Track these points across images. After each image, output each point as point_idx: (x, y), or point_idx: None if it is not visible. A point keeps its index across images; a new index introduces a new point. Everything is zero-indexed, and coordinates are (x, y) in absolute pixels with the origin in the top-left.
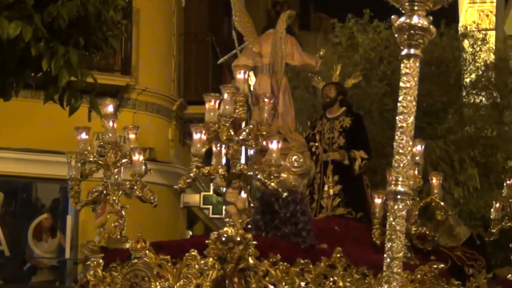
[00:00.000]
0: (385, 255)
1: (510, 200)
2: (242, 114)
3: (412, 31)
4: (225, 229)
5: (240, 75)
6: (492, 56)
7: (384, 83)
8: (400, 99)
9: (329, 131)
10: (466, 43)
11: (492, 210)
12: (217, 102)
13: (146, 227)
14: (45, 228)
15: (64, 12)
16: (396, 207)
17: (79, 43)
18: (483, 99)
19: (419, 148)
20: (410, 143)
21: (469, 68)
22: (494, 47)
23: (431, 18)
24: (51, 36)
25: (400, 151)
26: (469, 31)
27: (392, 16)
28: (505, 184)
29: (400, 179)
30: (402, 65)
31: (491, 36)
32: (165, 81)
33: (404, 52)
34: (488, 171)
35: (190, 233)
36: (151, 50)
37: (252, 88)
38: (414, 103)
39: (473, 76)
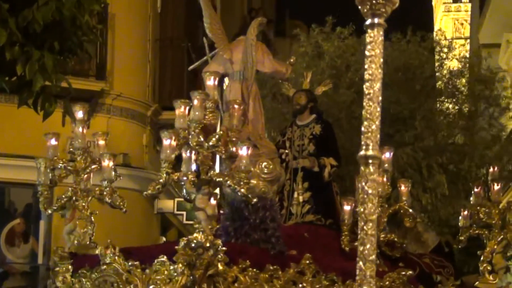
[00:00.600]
0: (359, 218)
1: (478, 207)
2: (212, 120)
3: (374, 1)
4: (195, 235)
5: (210, 82)
6: (459, 64)
7: (352, 90)
8: (366, 67)
9: (299, 138)
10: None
11: (460, 217)
12: (187, 108)
13: (120, 233)
14: (17, 233)
15: (39, 16)
16: (367, 171)
17: (54, 47)
18: (450, 106)
19: (387, 155)
20: (378, 109)
21: (436, 75)
22: (460, 55)
23: None
24: (26, 40)
25: (368, 116)
26: (434, 38)
27: None
28: (473, 191)
29: (370, 143)
30: (367, 34)
31: (461, 45)
32: (140, 86)
33: (368, 22)
34: (456, 178)
35: (164, 239)
36: (126, 56)
37: (223, 95)
38: (380, 71)
39: (439, 83)
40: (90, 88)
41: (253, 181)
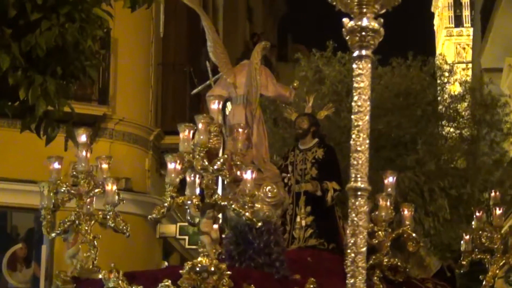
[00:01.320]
0: (348, 251)
1: (480, 232)
2: (216, 144)
3: (362, 33)
4: (199, 259)
5: (214, 105)
6: (460, 88)
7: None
8: (355, 99)
9: (302, 162)
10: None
11: (462, 242)
12: (191, 132)
13: (122, 258)
14: (19, 258)
15: (42, 41)
16: (357, 203)
17: (56, 72)
18: (451, 129)
19: (390, 179)
20: (367, 141)
21: (437, 100)
22: (462, 79)
23: (381, 20)
24: (28, 65)
25: (358, 148)
26: (435, 63)
27: (343, 19)
28: (474, 216)
29: (359, 176)
30: (355, 66)
31: (462, 69)
32: (142, 111)
33: (356, 53)
34: (457, 202)
35: (166, 263)
36: (129, 80)
37: (226, 119)
38: (368, 103)
39: (440, 107)
40: (93, 112)
41: (257, 205)
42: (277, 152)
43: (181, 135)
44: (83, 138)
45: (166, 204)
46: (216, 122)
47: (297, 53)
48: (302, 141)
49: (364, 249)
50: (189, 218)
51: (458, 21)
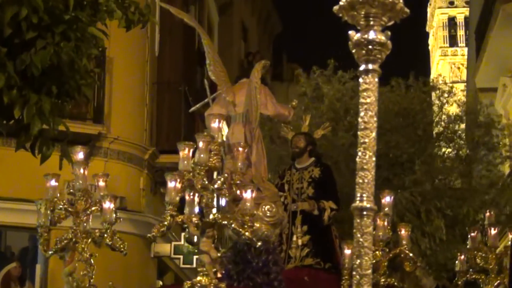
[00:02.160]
0: (354, 273)
1: (475, 252)
2: (217, 163)
3: (369, 47)
4: (199, 278)
5: (214, 124)
6: (458, 109)
7: (350, 133)
8: (361, 114)
9: (298, 181)
10: (433, 95)
11: (457, 262)
12: (191, 150)
13: (117, 277)
14: (13, 277)
15: (37, 60)
16: (363, 223)
17: (52, 91)
18: (448, 150)
19: (387, 199)
20: (373, 158)
21: (435, 120)
22: (460, 100)
23: (388, 33)
24: (23, 84)
25: (364, 166)
26: (436, 84)
27: (350, 32)
28: (469, 236)
29: (365, 195)
30: (361, 80)
31: (461, 90)
32: (137, 130)
33: (362, 67)
34: (453, 222)
35: (161, 283)
36: (124, 99)
37: (225, 137)
38: (375, 119)
39: (439, 127)
40: (88, 131)
41: (256, 224)
42: (273, 170)
43: (180, 154)
44: (80, 155)
45: (165, 223)
46: (216, 140)
47: (295, 70)
48: (298, 160)
49: (369, 271)
50: (188, 237)
51: (452, 41)
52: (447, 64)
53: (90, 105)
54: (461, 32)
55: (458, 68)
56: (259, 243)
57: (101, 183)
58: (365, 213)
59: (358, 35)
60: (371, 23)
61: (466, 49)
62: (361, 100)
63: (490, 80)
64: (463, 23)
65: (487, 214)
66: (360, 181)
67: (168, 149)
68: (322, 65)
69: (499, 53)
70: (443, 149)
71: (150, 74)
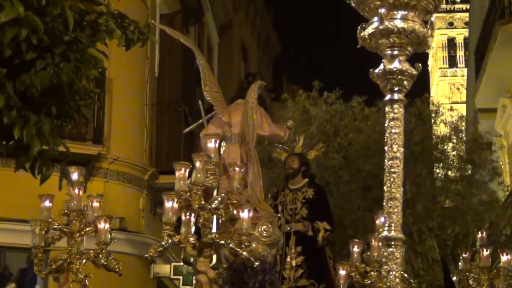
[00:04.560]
0: None
1: (467, 273)
2: (213, 183)
3: (394, 76)
4: None
5: (211, 144)
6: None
7: (340, 155)
8: (389, 145)
9: (292, 202)
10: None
11: None
12: (187, 170)
13: None
14: None
15: (37, 81)
16: (391, 254)
17: (51, 112)
18: (438, 170)
19: (382, 220)
20: (401, 189)
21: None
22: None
23: (419, 65)
24: (23, 104)
25: (393, 196)
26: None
27: (371, 70)
28: (461, 257)
29: (393, 224)
30: (387, 109)
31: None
32: (137, 150)
33: (388, 97)
34: (443, 243)
35: None
36: (124, 120)
37: (220, 158)
38: (402, 149)
39: (429, 148)
40: (87, 152)
41: (253, 244)
42: (264, 192)
43: (177, 174)
44: (75, 176)
45: (163, 243)
46: (213, 160)
47: (287, 93)
48: (292, 181)
49: None
50: (185, 257)
51: (452, 62)
52: (446, 85)
53: (90, 126)
54: (460, 53)
55: (458, 89)
56: (257, 263)
57: (96, 204)
58: (393, 243)
59: (382, 66)
60: (396, 53)
61: (465, 70)
62: (389, 130)
63: (490, 100)
64: (463, 44)
65: (479, 235)
66: (390, 210)
67: (167, 169)
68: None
69: (498, 73)
70: (436, 170)
71: (149, 95)
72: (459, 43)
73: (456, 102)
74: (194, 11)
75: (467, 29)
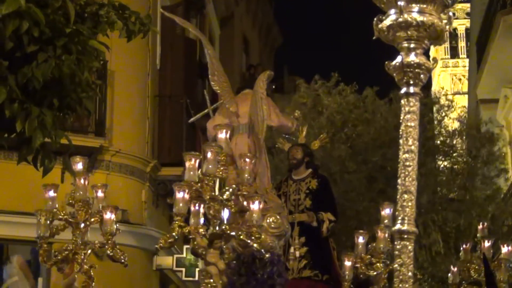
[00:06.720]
0: None
1: (468, 264)
2: (223, 174)
3: (411, 69)
4: None
5: (222, 135)
6: (456, 124)
7: (347, 145)
8: (404, 138)
9: (295, 193)
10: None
11: (449, 274)
12: (197, 161)
13: None
14: None
15: (39, 73)
16: (403, 247)
17: (53, 104)
18: (445, 163)
19: (387, 211)
20: (415, 182)
21: (430, 134)
22: (459, 115)
23: (436, 58)
24: (25, 97)
25: (408, 189)
26: (437, 97)
27: (386, 62)
28: (462, 248)
29: (407, 218)
30: (403, 102)
31: (463, 106)
32: (139, 142)
33: (404, 90)
34: (448, 237)
35: None
36: (126, 112)
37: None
38: (417, 142)
39: (437, 142)
40: (89, 144)
41: (262, 236)
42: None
43: (186, 164)
44: (79, 166)
45: (174, 234)
46: (224, 151)
47: (296, 81)
48: (295, 172)
49: None
50: (194, 248)
51: (454, 52)
52: (448, 76)
53: (91, 118)
54: (462, 44)
55: (460, 79)
56: (267, 255)
57: (100, 194)
58: (406, 236)
59: (398, 58)
60: (412, 46)
61: (467, 61)
62: (404, 123)
63: (491, 91)
64: (464, 35)
65: (480, 226)
66: (404, 204)
67: (169, 162)
68: (322, 78)
69: (500, 64)
70: (440, 163)
71: (151, 87)
72: (460, 33)
73: (458, 93)
74: (195, 3)
75: (469, 20)
